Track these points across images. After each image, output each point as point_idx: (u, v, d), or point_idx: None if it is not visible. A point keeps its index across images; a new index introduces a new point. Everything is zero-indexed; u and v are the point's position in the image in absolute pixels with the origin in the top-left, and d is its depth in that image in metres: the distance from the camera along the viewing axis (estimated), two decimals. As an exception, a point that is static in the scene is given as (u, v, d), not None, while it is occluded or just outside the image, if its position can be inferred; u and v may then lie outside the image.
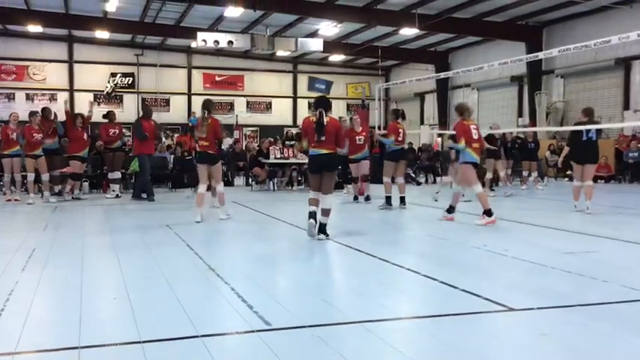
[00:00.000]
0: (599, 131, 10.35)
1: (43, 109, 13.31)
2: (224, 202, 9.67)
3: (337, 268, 6.11)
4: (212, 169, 9.42)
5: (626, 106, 20.86)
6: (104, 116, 14.20)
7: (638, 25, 11.64)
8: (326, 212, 7.50)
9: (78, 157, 12.89)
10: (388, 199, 11.13)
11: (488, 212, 8.72)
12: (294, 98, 33.47)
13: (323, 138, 7.42)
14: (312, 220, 7.42)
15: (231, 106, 31.65)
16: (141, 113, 16.17)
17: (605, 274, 5.32)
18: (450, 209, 9.37)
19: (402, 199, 11.20)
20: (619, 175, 19.50)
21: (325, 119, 7.41)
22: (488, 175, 13.94)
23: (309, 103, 32.45)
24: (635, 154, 19.11)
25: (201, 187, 9.38)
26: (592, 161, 10.21)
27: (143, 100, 30.13)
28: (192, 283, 5.19)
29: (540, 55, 14.50)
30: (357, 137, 12.28)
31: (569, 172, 19.66)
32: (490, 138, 13.45)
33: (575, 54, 14.96)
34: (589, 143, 10.08)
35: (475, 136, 9.00)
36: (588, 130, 10.08)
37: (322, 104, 7.61)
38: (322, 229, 7.45)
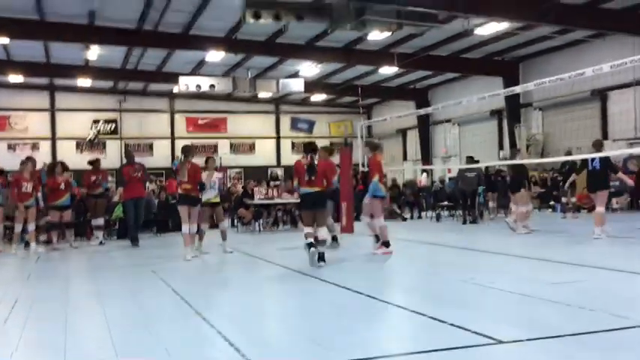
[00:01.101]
0: (605, 161, 10.84)
1: (28, 159, 13.16)
2: (202, 239, 10.39)
3: (325, 306, 6.06)
4: (192, 210, 9.87)
5: (605, 135, 21.21)
6: (89, 163, 14.20)
7: (611, 57, 11.90)
8: (322, 242, 8.42)
9: (54, 207, 12.72)
10: (335, 237, 10.71)
11: (386, 243, 9.42)
12: (277, 138, 33.63)
13: (313, 178, 8.39)
14: (313, 249, 8.12)
15: (214, 149, 31.67)
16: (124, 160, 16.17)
17: (591, 302, 5.34)
18: (385, 243, 9.45)
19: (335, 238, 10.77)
20: (601, 204, 19.63)
21: (316, 161, 8.49)
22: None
23: (293, 143, 32.67)
24: (615, 183, 19.31)
25: (185, 228, 9.86)
26: (597, 189, 10.87)
27: (126, 145, 29.98)
28: (179, 328, 5.14)
29: (517, 89, 14.69)
30: None
31: (552, 203, 19.86)
32: (520, 168, 13.08)
33: (551, 87, 15.18)
34: (594, 172, 10.90)
35: (384, 171, 9.86)
36: (593, 160, 10.87)
37: (311, 149, 8.65)
38: (321, 257, 8.24)
